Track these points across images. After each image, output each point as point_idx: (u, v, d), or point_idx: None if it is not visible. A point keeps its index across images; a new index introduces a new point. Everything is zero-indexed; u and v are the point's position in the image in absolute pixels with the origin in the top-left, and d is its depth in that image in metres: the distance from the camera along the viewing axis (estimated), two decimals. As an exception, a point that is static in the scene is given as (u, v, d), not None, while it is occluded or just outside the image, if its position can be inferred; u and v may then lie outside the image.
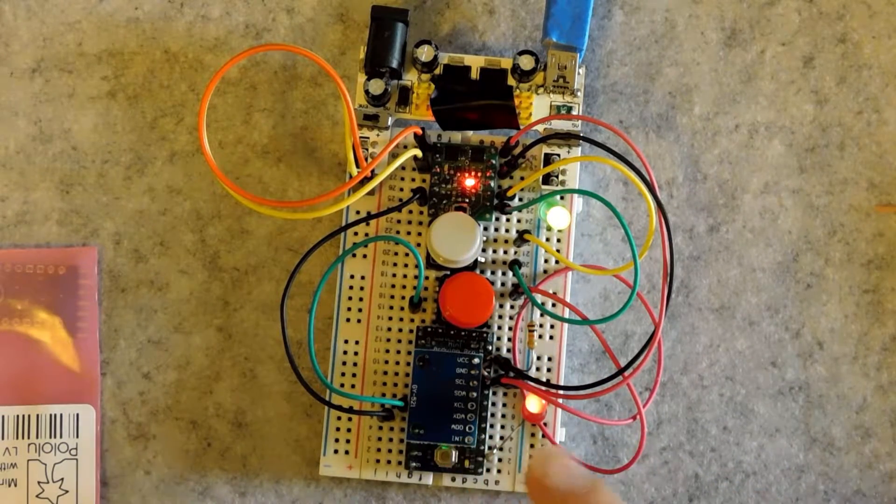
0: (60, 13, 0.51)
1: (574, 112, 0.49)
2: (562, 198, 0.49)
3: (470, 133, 0.49)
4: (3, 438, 0.49)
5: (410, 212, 0.49)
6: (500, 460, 0.48)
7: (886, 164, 0.50)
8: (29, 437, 0.49)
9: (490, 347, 0.48)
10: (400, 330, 0.48)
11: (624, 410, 0.50)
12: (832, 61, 0.51)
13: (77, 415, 0.49)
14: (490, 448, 0.48)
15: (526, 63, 0.48)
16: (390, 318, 0.48)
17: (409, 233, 0.49)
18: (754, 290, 0.50)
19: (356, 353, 0.48)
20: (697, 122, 0.51)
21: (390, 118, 0.49)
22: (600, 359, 0.50)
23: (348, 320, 0.48)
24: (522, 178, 0.49)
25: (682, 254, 0.50)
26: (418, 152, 0.47)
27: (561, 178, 0.49)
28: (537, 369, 0.48)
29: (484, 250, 0.48)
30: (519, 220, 0.49)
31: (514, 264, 0.48)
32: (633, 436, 0.49)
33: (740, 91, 0.51)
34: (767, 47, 0.51)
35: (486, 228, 0.48)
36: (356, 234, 0.49)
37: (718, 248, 0.50)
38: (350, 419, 0.48)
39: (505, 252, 0.48)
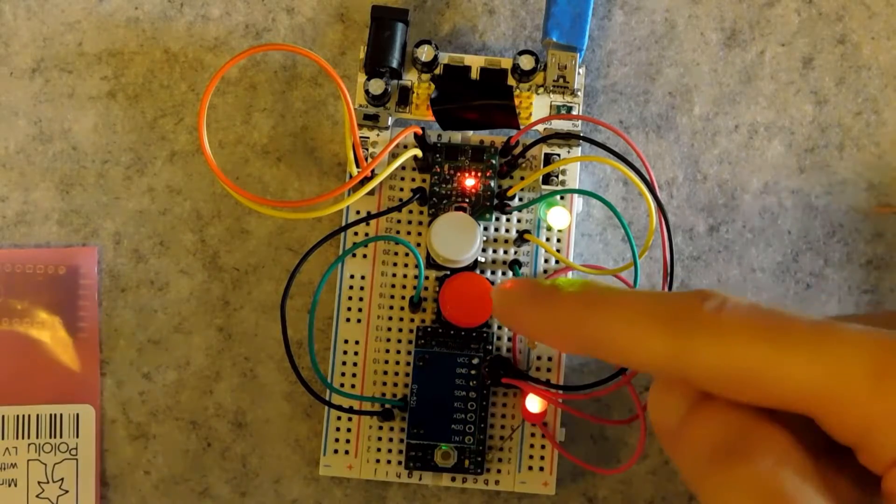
0: (60, 13, 0.51)
1: (574, 112, 0.49)
2: (562, 198, 0.49)
3: (470, 133, 0.49)
4: (3, 438, 0.49)
5: (410, 212, 0.49)
6: (500, 460, 0.48)
7: (886, 165, 0.50)
8: (29, 437, 0.49)
9: (490, 347, 0.48)
10: (400, 330, 0.48)
11: (624, 410, 0.50)
12: (831, 62, 0.51)
13: (77, 415, 0.49)
14: (490, 448, 0.48)
15: (526, 63, 0.48)
16: (390, 318, 0.48)
17: (409, 233, 0.49)
18: (754, 290, 0.50)
19: (356, 353, 0.48)
20: (697, 122, 0.51)
21: (390, 118, 0.49)
22: (600, 359, 0.50)
23: (348, 320, 0.48)
24: (522, 178, 0.49)
25: (682, 254, 0.50)
26: (418, 152, 0.47)
27: (561, 178, 0.48)
28: (537, 369, 0.48)
29: (484, 250, 0.48)
30: (519, 220, 0.49)
31: (514, 264, 0.48)
32: (633, 436, 0.49)
33: (740, 91, 0.51)
34: (767, 48, 0.51)
35: (486, 228, 0.48)
36: (356, 234, 0.49)
37: (718, 248, 0.50)
38: (350, 419, 0.48)
39: (505, 252, 0.48)
